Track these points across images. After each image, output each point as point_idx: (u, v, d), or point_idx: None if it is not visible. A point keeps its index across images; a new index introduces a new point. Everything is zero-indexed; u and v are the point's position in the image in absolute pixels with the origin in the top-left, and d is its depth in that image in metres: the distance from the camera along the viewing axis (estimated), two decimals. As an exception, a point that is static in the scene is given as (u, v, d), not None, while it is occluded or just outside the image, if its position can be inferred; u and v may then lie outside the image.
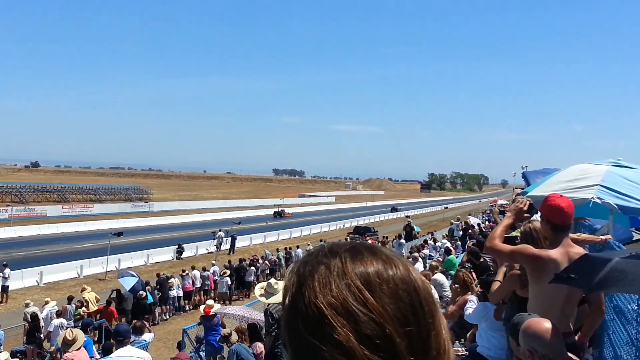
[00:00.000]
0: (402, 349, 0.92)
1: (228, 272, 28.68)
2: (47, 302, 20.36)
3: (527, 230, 5.33)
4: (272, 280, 10.14)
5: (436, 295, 0.96)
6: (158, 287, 25.72)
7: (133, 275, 23.49)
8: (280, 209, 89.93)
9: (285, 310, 1.01)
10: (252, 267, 31.87)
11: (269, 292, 9.57)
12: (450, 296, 12.36)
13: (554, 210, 4.16)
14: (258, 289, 9.99)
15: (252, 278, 30.87)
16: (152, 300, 24.23)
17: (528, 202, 4.47)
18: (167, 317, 25.90)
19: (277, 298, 9.63)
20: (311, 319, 0.95)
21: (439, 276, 13.48)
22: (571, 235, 7.07)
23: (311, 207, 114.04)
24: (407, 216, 62.17)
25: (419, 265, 16.19)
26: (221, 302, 25.27)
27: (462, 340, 8.44)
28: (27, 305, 20.14)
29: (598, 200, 6.58)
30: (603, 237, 6.76)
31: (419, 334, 0.94)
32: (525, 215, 4.55)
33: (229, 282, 28.37)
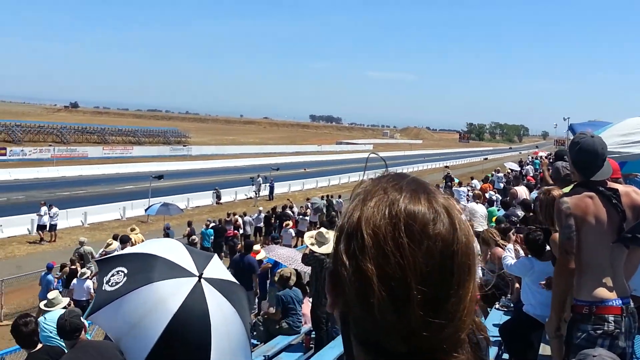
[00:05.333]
0: (414, 302, 0.93)
1: (291, 223, 27.49)
2: (109, 244, 17.78)
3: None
4: (323, 230, 9.96)
5: (476, 256, 0.95)
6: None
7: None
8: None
9: (341, 217, 1.05)
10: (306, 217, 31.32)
11: (319, 241, 9.43)
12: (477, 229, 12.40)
13: None
14: (308, 238, 9.84)
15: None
16: (209, 245, 24.71)
17: None
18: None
19: (328, 248, 9.46)
20: (349, 234, 0.99)
21: (476, 206, 13.57)
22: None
23: (349, 154, 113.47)
24: (446, 166, 61.73)
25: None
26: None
27: (509, 295, 8.32)
28: (81, 244, 19.99)
29: (653, 156, 6.35)
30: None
31: (436, 296, 0.94)
32: None
33: (293, 234, 26.78)
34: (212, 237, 25.54)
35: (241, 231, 27.80)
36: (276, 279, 11.31)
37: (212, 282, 2.29)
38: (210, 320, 2.15)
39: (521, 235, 7.97)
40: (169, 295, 2.16)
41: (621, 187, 4.01)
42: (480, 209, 14.05)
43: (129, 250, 2.69)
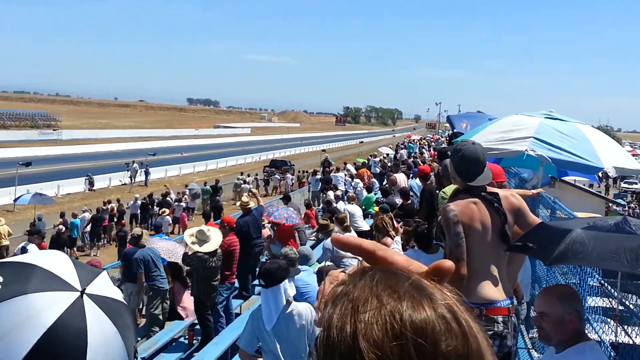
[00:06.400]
0: None
1: (167, 210, 26.28)
2: None
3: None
4: (204, 227, 9.74)
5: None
6: (90, 222, 25.18)
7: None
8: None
9: (325, 328, 0.81)
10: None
11: (201, 240, 9.22)
12: (361, 229, 12.89)
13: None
14: (188, 236, 9.56)
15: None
16: (76, 236, 23.70)
17: None
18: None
19: (209, 247, 9.28)
20: (344, 356, 0.77)
21: (352, 207, 13.86)
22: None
23: (226, 138, 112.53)
24: (324, 150, 62.30)
25: (341, 204, 16.13)
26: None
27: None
28: None
29: (532, 153, 6.64)
30: (535, 191, 6.89)
31: None
32: None
33: (170, 221, 25.89)
34: (87, 227, 24.87)
35: (116, 219, 27.04)
36: (128, 240, 10.93)
37: (96, 299, 2.11)
38: (87, 339, 2.00)
39: (407, 227, 8.13)
40: (44, 309, 1.97)
41: (501, 192, 4.18)
42: (357, 210, 14.23)
43: (9, 259, 2.46)
